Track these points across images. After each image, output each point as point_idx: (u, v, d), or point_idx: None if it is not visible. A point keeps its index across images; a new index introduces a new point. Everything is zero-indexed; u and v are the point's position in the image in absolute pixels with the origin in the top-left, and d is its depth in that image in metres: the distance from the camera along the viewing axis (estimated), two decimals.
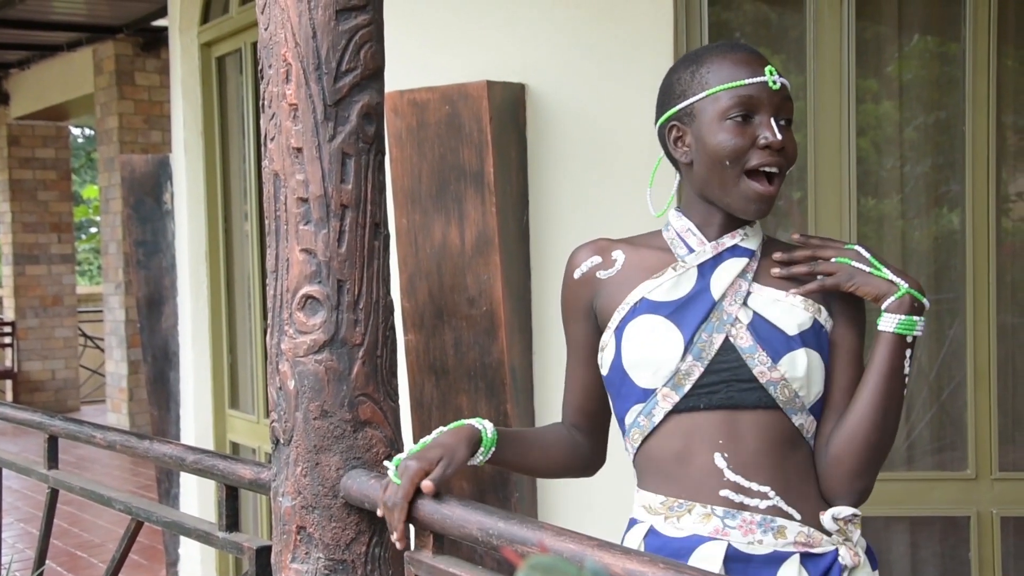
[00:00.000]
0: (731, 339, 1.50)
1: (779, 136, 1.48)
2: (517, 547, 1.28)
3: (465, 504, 1.40)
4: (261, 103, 1.61)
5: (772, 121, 1.49)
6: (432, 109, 2.59)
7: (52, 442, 2.43)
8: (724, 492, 1.47)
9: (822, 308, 1.54)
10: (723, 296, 1.52)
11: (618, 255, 1.61)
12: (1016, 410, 2.90)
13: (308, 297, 1.56)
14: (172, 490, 4.47)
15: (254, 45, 3.92)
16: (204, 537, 1.97)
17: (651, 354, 1.50)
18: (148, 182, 4.41)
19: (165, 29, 5.45)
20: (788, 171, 1.54)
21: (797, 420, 1.51)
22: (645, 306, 1.53)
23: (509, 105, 2.63)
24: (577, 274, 1.62)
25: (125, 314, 8.05)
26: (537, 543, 1.24)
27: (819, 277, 1.54)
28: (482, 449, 1.52)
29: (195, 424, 4.31)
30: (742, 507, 1.47)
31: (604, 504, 2.68)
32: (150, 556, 5.12)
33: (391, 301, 1.62)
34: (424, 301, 2.64)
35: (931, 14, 2.94)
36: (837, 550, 1.49)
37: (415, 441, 1.44)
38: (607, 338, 1.57)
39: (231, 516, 1.91)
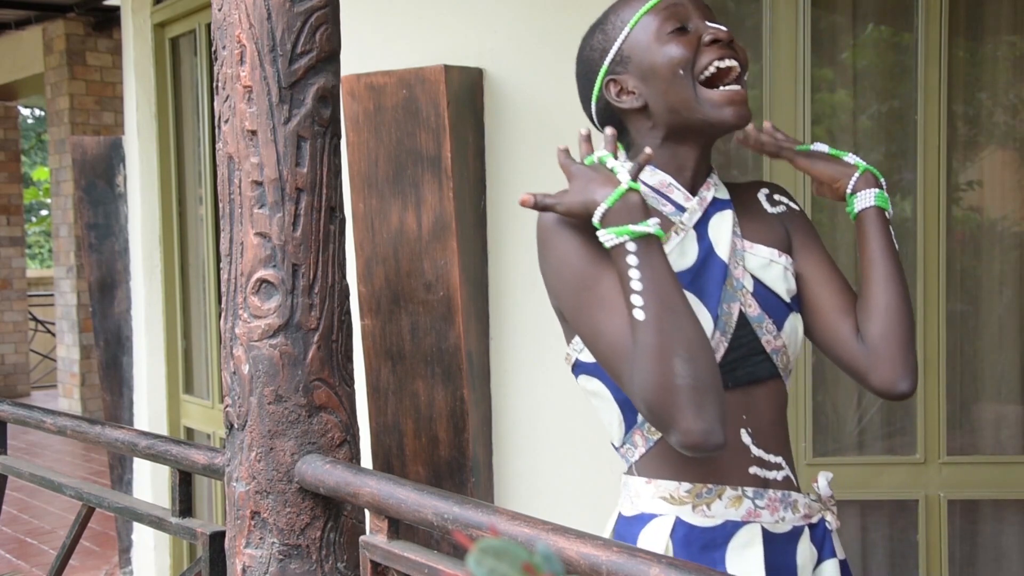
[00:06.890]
0: (743, 309, 1.39)
1: (723, 27, 1.41)
2: (471, 531, 1.28)
3: (420, 489, 1.40)
4: (215, 85, 1.59)
5: (707, 22, 1.42)
6: (389, 93, 2.58)
7: (1, 427, 2.39)
8: (753, 469, 1.40)
9: (792, 263, 1.48)
10: (728, 259, 1.40)
11: None
12: (964, 396, 2.95)
13: (262, 281, 1.54)
14: (125, 476, 4.42)
15: (208, 26, 3.86)
16: (157, 523, 1.95)
17: None
18: (100, 164, 4.34)
19: (117, 9, 5.37)
20: (745, 77, 1.45)
21: (788, 385, 1.46)
22: None
23: (467, 90, 2.63)
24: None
25: (77, 298, 7.93)
26: (489, 527, 1.24)
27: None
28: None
29: (148, 409, 4.26)
30: (766, 483, 1.40)
31: (556, 490, 2.69)
32: (102, 543, 5.06)
33: (347, 286, 1.62)
34: (380, 286, 2.63)
35: (884, 4, 2.97)
36: (824, 517, 1.46)
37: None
38: None
39: (184, 502, 1.90)
